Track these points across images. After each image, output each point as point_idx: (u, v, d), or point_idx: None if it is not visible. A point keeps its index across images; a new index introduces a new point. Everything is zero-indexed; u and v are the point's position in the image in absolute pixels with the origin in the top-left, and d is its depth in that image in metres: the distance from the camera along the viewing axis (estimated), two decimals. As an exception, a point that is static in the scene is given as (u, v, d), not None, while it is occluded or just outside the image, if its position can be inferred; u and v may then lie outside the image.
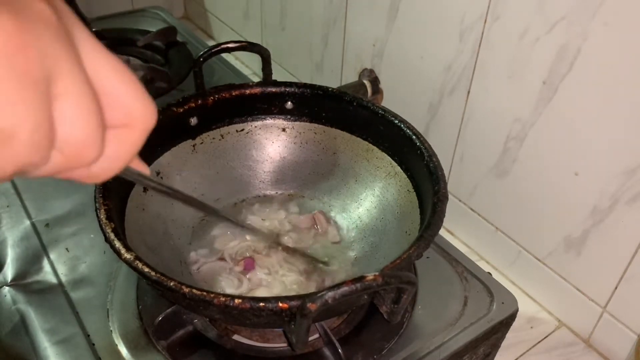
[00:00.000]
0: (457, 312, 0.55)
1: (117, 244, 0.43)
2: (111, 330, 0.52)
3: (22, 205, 0.66)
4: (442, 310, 0.56)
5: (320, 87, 0.62)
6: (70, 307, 0.55)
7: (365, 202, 0.61)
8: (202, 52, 0.60)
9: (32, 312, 0.54)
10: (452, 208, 0.64)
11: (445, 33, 0.68)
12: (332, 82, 0.93)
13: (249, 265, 0.55)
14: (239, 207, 0.63)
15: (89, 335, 0.52)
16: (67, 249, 0.61)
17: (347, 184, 0.63)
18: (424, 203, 0.53)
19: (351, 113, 0.61)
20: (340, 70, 0.91)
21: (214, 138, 0.62)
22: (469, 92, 0.69)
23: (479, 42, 0.65)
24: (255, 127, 0.64)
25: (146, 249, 0.50)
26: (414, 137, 0.55)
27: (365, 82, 0.83)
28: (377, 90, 0.83)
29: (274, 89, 0.62)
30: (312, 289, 0.55)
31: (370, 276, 0.38)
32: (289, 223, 0.62)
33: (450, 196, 0.65)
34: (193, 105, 0.59)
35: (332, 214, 0.62)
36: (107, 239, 0.44)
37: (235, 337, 0.52)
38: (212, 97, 0.60)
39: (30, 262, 0.59)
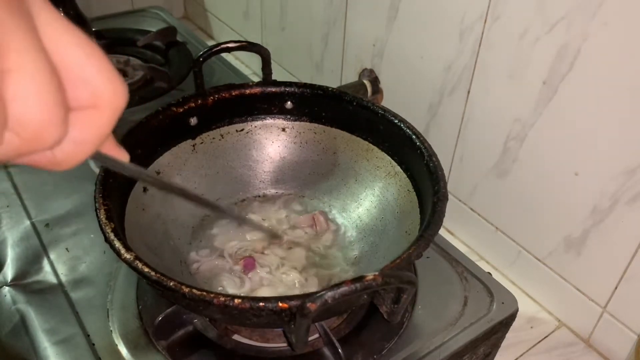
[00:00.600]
0: (457, 312, 0.55)
1: (117, 244, 0.43)
2: (111, 330, 0.52)
3: (22, 205, 0.66)
4: (442, 310, 0.56)
5: (320, 87, 0.62)
6: (70, 307, 0.55)
7: (365, 202, 0.61)
8: (202, 52, 0.60)
9: (32, 312, 0.54)
10: (452, 208, 0.64)
11: (445, 33, 0.68)
12: (332, 82, 0.93)
13: (249, 264, 0.55)
14: (239, 207, 0.63)
15: (89, 335, 0.52)
16: (67, 249, 0.61)
17: (347, 183, 0.63)
18: (424, 203, 0.53)
19: (351, 113, 0.61)
20: (340, 70, 0.91)
21: (214, 138, 0.62)
22: (469, 92, 0.69)
23: (479, 42, 0.65)
24: (255, 127, 0.64)
25: (146, 249, 0.50)
26: (414, 136, 0.55)
27: (365, 82, 0.83)
28: (377, 90, 0.83)
29: (273, 89, 0.62)
30: (313, 287, 0.55)
31: (370, 276, 0.37)
32: (289, 223, 0.62)
33: (450, 196, 0.65)
34: (193, 105, 0.59)
35: (332, 214, 0.62)
36: (107, 239, 0.44)
37: (235, 337, 0.52)
38: (212, 97, 0.60)
39: (30, 262, 0.59)
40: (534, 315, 0.70)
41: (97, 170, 0.50)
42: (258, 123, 0.64)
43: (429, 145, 0.54)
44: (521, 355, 0.65)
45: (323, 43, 0.92)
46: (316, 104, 0.62)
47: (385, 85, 0.82)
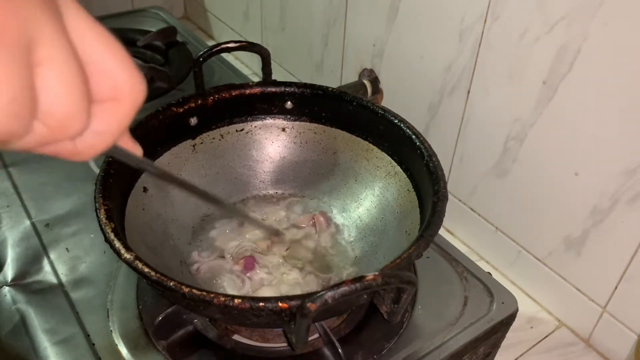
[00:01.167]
0: (457, 312, 0.55)
1: (117, 244, 0.43)
2: (111, 330, 0.52)
3: (22, 205, 0.66)
4: (442, 310, 0.56)
5: (320, 87, 0.62)
6: (70, 307, 0.55)
7: (365, 202, 0.61)
8: (202, 52, 0.60)
9: (32, 312, 0.54)
10: (452, 208, 0.64)
11: (445, 33, 0.68)
12: (332, 82, 0.93)
13: (249, 264, 0.55)
14: (239, 206, 0.63)
15: (89, 335, 0.52)
16: (67, 249, 0.61)
17: (347, 183, 0.63)
18: (424, 203, 0.53)
19: (351, 113, 0.61)
20: (340, 70, 0.91)
21: (214, 138, 0.62)
22: (469, 92, 0.69)
23: (479, 42, 0.65)
24: (255, 127, 0.64)
25: (146, 249, 0.50)
26: (413, 136, 0.55)
27: (365, 82, 0.83)
28: (377, 90, 0.83)
29: (273, 89, 0.62)
30: (313, 287, 0.55)
31: (370, 276, 0.37)
32: (288, 223, 0.62)
33: (450, 196, 0.65)
34: (193, 105, 0.59)
35: (332, 214, 0.62)
36: (107, 239, 0.44)
37: (235, 337, 0.52)
38: (212, 97, 0.60)
39: (30, 262, 0.59)
40: (534, 315, 0.70)
41: (97, 170, 0.50)
42: (258, 123, 0.64)
43: (429, 145, 0.54)
44: (521, 355, 0.65)
45: (323, 43, 0.92)
46: (316, 104, 0.62)
47: (385, 85, 0.82)
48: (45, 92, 0.20)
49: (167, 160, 0.59)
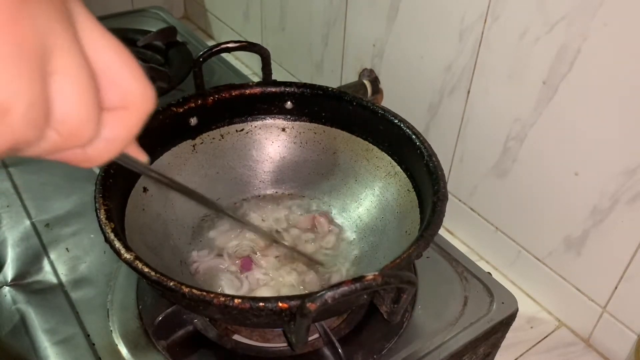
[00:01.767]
0: (457, 312, 0.55)
1: (117, 244, 0.43)
2: (111, 330, 0.52)
3: (22, 205, 0.66)
4: (442, 310, 0.56)
5: (320, 87, 0.62)
6: (70, 307, 0.55)
7: (365, 202, 0.61)
8: (202, 52, 0.60)
9: (32, 312, 0.54)
10: (452, 208, 0.64)
11: (445, 33, 0.68)
12: (332, 82, 0.93)
13: (247, 265, 0.55)
14: (239, 206, 0.63)
15: (89, 335, 0.52)
16: (67, 249, 0.61)
17: (347, 183, 0.63)
18: (424, 203, 0.53)
19: (351, 113, 0.61)
20: (340, 70, 0.91)
21: (214, 138, 0.62)
22: (469, 92, 0.69)
23: (479, 42, 0.65)
24: (255, 127, 0.64)
25: (146, 249, 0.50)
26: (413, 136, 0.55)
27: (365, 82, 0.83)
28: (377, 90, 0.83)
29: (273, 89, 0.62)
30: (312, 287, 0.55)
31: (370, 276, 0.37)
32: (288, 223, 0.62)
33: (450, 196, 0.65)
34: (193, 105, 0.59)
35: (332, 214, 0.62)
36: (107, 239, 0.44)
37: (235, 337, 0.52)
38: (212, 97, 0.60)
39: (30, 262, 0.59)
40: (534, 315, 0.70)
41: (97, 170, 0.50)
42: (258, 123, 0.64)
43: (429, 145, 0.54)
44: (521, 355, 0.65)
45: (323, 43, 0.92)
46: (316, 104, 0.62)
47: (385, 85, 0.82)
48: (59, 100, 0.20)
49: (167, 161, 0.59)
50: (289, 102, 0.63)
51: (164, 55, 0.99)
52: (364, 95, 0.82)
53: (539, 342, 0.67)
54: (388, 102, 0.83)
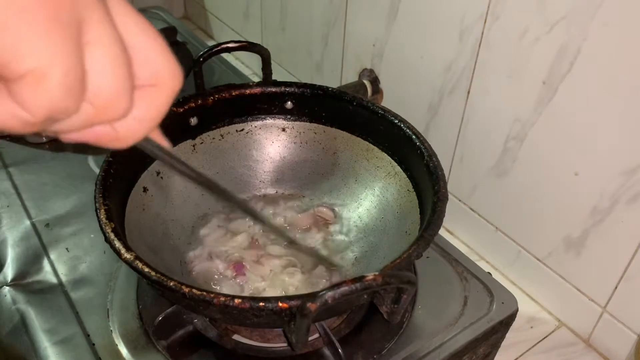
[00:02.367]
0: (457, 312, 0.55)
1: (117, 244, 0.43)
2: (111, 330, 0.52)
3: (22, 205, 0.66)
4: (442, 310, 0.56)
5: (320, 87, 0.62)
6: (70, 307, 0.55)
7: (365, 202, 0.61)
8: (202, 52, 0.60)
9: (32, 312, 0.54)
10: (452, 208, 0.64)
11: (445, 33, 0.68)
12: (332, 82, 0.93)
13: (239, 269, 0.55)
14: (252, 205, 0.63)
15: (89, 335, 0.52)
16: (67, 249, 0.61)
17: (347, 183, 0.63)
18: (424, 203, 0.53)
19: (351, 113, 0.61)
20: (340, 70, 0.91)
21: (214, 138, 0.62)
22: (469, 92, 0.69)
23: (479, 42, 0.65)
24: (255, 127, 0.64)
25: (146, 249, 0.50)
26: (413, 136, 0.55)
27: (365, 82, 0.83)
28: (377, 90, 0.83)
29: (273, 89, 0.62)
30: (311, 287, 0.55)
31: (370, 276, 0.37)
32: (288, 222, 0.62)
33: (450, 196, 0.65)
34: (193, 105, 0.59)
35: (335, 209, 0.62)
36: (107, 239, 0.44)
37: (235, 337, 0.52)
38: (212, 97, 0.60)
39: (30, 262, 0.59)
40: (534, 315, 0.70)
41: (97, 170, 0.50)
42: (258, 123, 0.64)
43: (429, 145, 0.54)
44: (521, 355, 0.65)
45: (323, 43, 0.92)
46: (316, 104, 0.62)
47: (385, 85, 0.82)
48: (94, 71, 0.20)
49: (167, 160, 0.59)
50: (289, 102, 0.63)
51: (164, 55, 0.99)
52: (364, 95, 0.82)
53: (539, 342, 0.67)
54: (388, 102, 0.83)
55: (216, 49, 0.60)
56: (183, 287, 0.40)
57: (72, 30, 0.19)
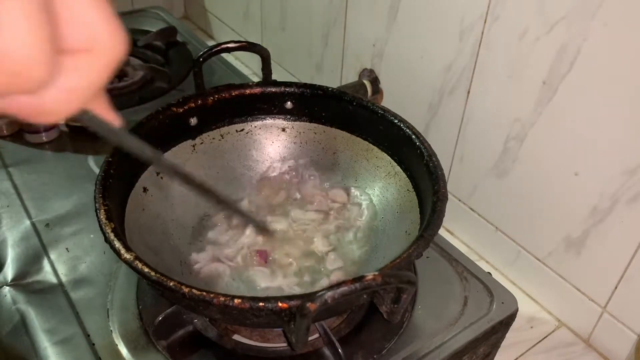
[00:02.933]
0: (457, 312, 0.55)
1: (117, 244, 0.43)
2: (111, 330, 0.52)
3: (22, 205, 0.66)
4: (442, 310, 0.56)
5: (320, 87, 0.62)
6: (70, 307, 0.55)
7: (365, 202, 0.61)
8: (202, 52, 0.60)
9: (32, 312, 0.54)
10: (452, 208, 0.64)
11: (445, 33, 0.68)
12: (332, 82, 0.93)
13: (263, 255, 0.55)
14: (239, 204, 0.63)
15: (89, 335, 0.52)
16: (67, 249, 0.61)
17: (347, 183, 0.63)
18: (424, 203, 0.53)
19: (351, 113, 0.61)
20: (340, 70, 0.91)
21: (214, 138, 0.62)
22: (469, 92, 0.69)
23: (479, 42, 0.65)
24: (255, 127, 0.64)
25: (146, 249, 0.50)
26: (413, 136, 0.55)
27: (365, 82, 0.83)
28: (377, 90, 0.83)
29: (273, 89, 0.62)
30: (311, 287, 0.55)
31: (369, 276, 0.37)
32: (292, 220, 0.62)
33: (450, 196, 0.65)
34: (193, 105, 0.59)
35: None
36: (107, 239, 0.44)
37: (235, 337, 0.52)
38: (212, 97, 0.60)
39: (30, 262, 0.59)
40: (534, 315, 0.70)
41: (97, 170, 0.50)
42: (258, 123, 0.64)
43: (429, 145, 0.54)
44: (521, 355, 0.65)
45: (323, 43, 0.92)
46: (316, 104, 0.62)
47: (385, 85, 0.82)
48: (3, 32, 0.17)
49: (167, 160, 0.59)
50: (289, 102, 0.63)
51: (164, 55, 1.00)
52: (364, 95, 0.82)
53: (539, 342, 0.67)
54: (388, 102, 0.83)
55: (216, 49, 0.60)
56: (183, 287, 0.40)
57: None
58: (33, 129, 0.75)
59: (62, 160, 0.73)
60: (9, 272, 0.58)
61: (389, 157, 0.59)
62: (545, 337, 0.68)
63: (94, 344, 0.51)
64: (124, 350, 0.50)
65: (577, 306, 0.66)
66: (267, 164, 0.65)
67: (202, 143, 0.62)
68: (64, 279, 0.57)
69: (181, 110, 0.59)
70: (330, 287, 0.37)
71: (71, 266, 0.59)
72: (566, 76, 0.57)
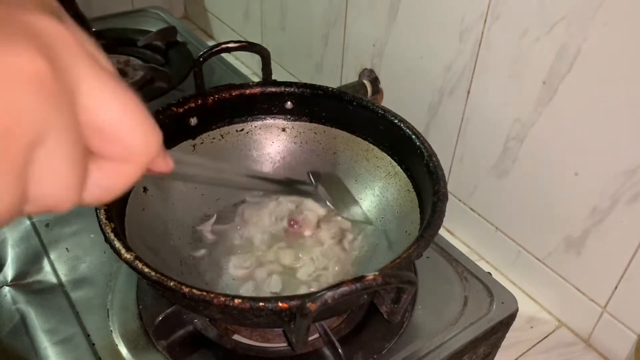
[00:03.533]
0: (457, 312, 0.55)
1: (117, 244, 0.43)
2: (111, 330, 0.52)
3: (22, 205, 0.66)
4: (442, 310, 0.56)
5: (320, 87, 0.62)
6: (70, 307, 0.55)
7: (365, 202, 0.61)
8: (202, 52, 0.60)
9: (32, 312, 0.54)
10: (452, 208, 0.64)
11: (445, 33, 0.68)
12: (332, 82, 0.93)
13: (295, 225, 0.58)
14: (239, 207, 0.63)
15: (89, 335, 0.52)
16: (67, 249, 0.61)
17: (347, 183, 0.63)
18: (424, 203, 0.53)
19: (351, 113, 0.61)
20: (340, 70, 0.91)
21: (214, 138, 0.62)
22: (469, 92, 0.69)
23: (479, 42, 0.65)
24: (255, 127, 0.64)
25: (146, 249, 0.50)
26: (413, 136, 0.55)
27: (365, 82, 0.83)
28: (377, 90, 0.83)
29: (273, 89, 0.62)
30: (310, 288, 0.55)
31: (370, 276, 0.37)
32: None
33: (450, 196, 0.65)
34: (193, 105, 0.59)
35: (332, 213, 0.62)
36: (107, 239, 0.44)
37: (235, 337, 0.52)
38: (212, 97, 0.60)
39: (31, 262, 0.59)
40: (534, 315, 0.70)
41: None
42: (258, 123, 0.64)
43: (429, 145, 0.54)
44: (521, 355, 0.65)
45: (323, 43, 0.92)
46: (316, 104, 0.62)
47: (385, 85, 0.82)
48: (38, 183, 0.19)
49: (167, 160, 0.59)
50: (289, 102, 0.63)
51: (164, 55, 1.00)
52: (364, 95, 0.82)
53: (539, 342, 0.67)
54: (388, 102, 0.83)
55: (216, 49, 0.60)
56: (183, 287, 0.40)
57: (22, 157, 0.18)
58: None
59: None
60: (9, 272, 0.58)
61: (389, 157, 0.59)
62: (545, 337, 0.68)
63: (94, 344, 0.51)
64: (124, 350, 0.50)
65: (577, 306, 0.66)
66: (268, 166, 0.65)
67: (202, 143, 0.62)
68: (64, 279, 0.57)
69: (181, 110, 0.59)
70: (331, 287, 0.37)
71: (71, 266, 0.59)
72: (566, 76, 0.57)
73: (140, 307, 0.54)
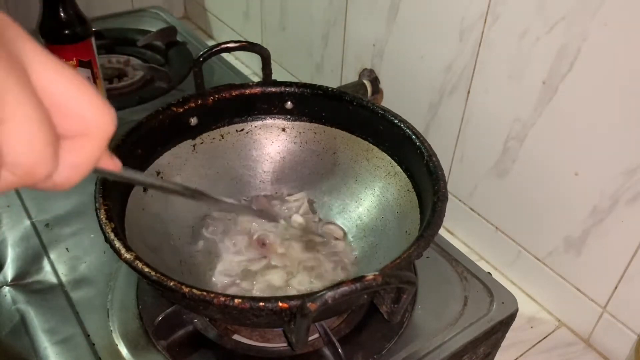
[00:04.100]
0: (457, 312, 0.55)
1: (117, 244, 0.43)
2: (111, 330, 0.52)
3: (22, 205, 0.66)
4: (442, 310, 0.56)
5: (320, 87, 0.62)
6: (70, 307, 0.55)
7: (365, 202, 0.61)
8: (202, 52, 0.60)
9: (32, 312, 0.54)
10: (452, 208, 0.64)
11: (445, 33, 0.68)
12: (332, 82, 0.93)
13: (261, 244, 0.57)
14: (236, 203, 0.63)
15: (89, 335, 0.52)
16: (67, 249, 0.61)
17: (347, 183, 0.63)
18: (424, 203, 0.53)
19: (351, 113, 0.61)
20: (340, 70, 0.91)
21: (214, 138, 0.62)
22: (469, 92, 0.69)
23: (479, 42, 0.65)
24: (255, 127, 0.64)
25: (146, 249, 0.50)
26: (413, 136, 0.55)
27: (365, 82, 0.83)
28: (377, 90, 0.83)
29: (273, 89, 0.62)
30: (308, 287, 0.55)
31: (370, 276, 0.37)
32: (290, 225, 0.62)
33: (450, 196, 0.65)
34: (193, 105, 0.59)
35: (332, 214, 0.62)
36: (107, 239, 0.44)
37: (235, 337, 0.52)
38: (212, 97, 0.60)
39: (30, 262, 0.59)
40: (534, 315, 0.70)
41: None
42: (258, 123, 0.64)
43: (429, 145, 0.54)
44: (521, 355, 0.65)
45: (323, 43, 0.92)
46: (316, 104, 0.62)
47: (385, 85, 0.82)
48: (10, 146, 0.21)
49: (167, 161, 0.59)
50: (289, 102, 0.63)
51: (164, 55, 1.00)
52: (364, 95, 0.82)
53: (539, 342, 0.67)
54: (388, 102, 0.83)
55: (216, 49, 0.60)
56: (183, 287, 0.40)
57: None
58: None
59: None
60: (9, 272, 0.58)
61: (389, 157, 0.59)
62: (545, 337, 0.68)
63: (94, 344, 0.51)
64: (124, 350, 0.50)
65: (577, 306, 0.66)
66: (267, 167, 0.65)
67: (202, 143, 0.62)
68: (64, 279, 0.57)
69: (181, 110, 0.59)
70: (331, 287, 0.37)
71: (71, 266, 0.59)
72: (566, 76, 0.57)
73: (140, 307, 0.54)
